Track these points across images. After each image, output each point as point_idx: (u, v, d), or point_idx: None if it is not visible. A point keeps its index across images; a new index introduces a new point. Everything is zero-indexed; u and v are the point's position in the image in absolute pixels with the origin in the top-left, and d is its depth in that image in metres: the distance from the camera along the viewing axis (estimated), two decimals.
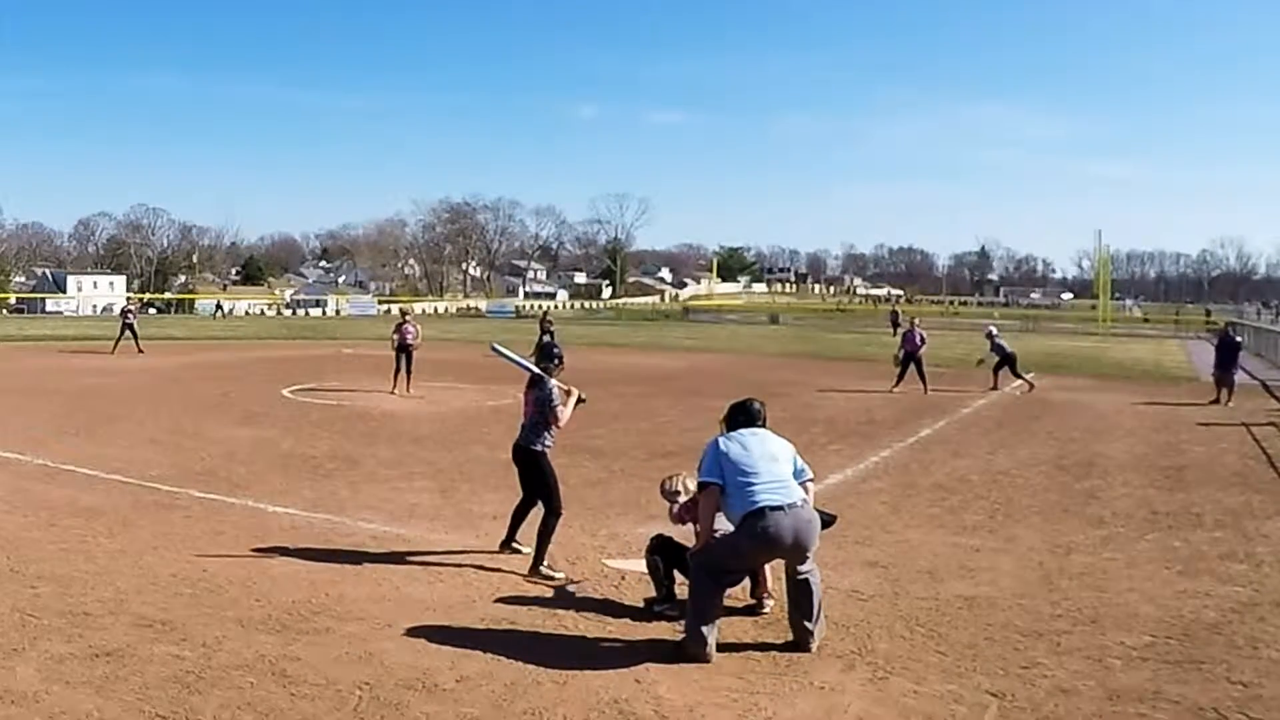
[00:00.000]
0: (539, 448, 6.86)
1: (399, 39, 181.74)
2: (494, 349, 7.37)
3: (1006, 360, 20.84)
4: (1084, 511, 9.06)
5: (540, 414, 6.85)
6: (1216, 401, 18.42)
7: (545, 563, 6.64)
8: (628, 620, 5.77)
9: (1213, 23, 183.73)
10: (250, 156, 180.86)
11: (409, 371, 18.01)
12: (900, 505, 9.15)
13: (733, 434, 5.60)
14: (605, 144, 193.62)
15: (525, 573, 6.61)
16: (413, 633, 5.46)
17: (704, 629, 5.18)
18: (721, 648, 5.26)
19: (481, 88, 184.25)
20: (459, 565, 6.85)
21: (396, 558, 7.01)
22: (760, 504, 5.19)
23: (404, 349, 18.09)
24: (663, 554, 6.00)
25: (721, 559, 5.36)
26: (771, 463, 5.38)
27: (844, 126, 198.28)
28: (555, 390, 6.86)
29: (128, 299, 32.95)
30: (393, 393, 17.57)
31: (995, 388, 20.38)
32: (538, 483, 6.89)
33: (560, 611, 5.90)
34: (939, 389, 19.88)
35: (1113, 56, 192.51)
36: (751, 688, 4.79)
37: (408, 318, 18.86)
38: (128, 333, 27.13)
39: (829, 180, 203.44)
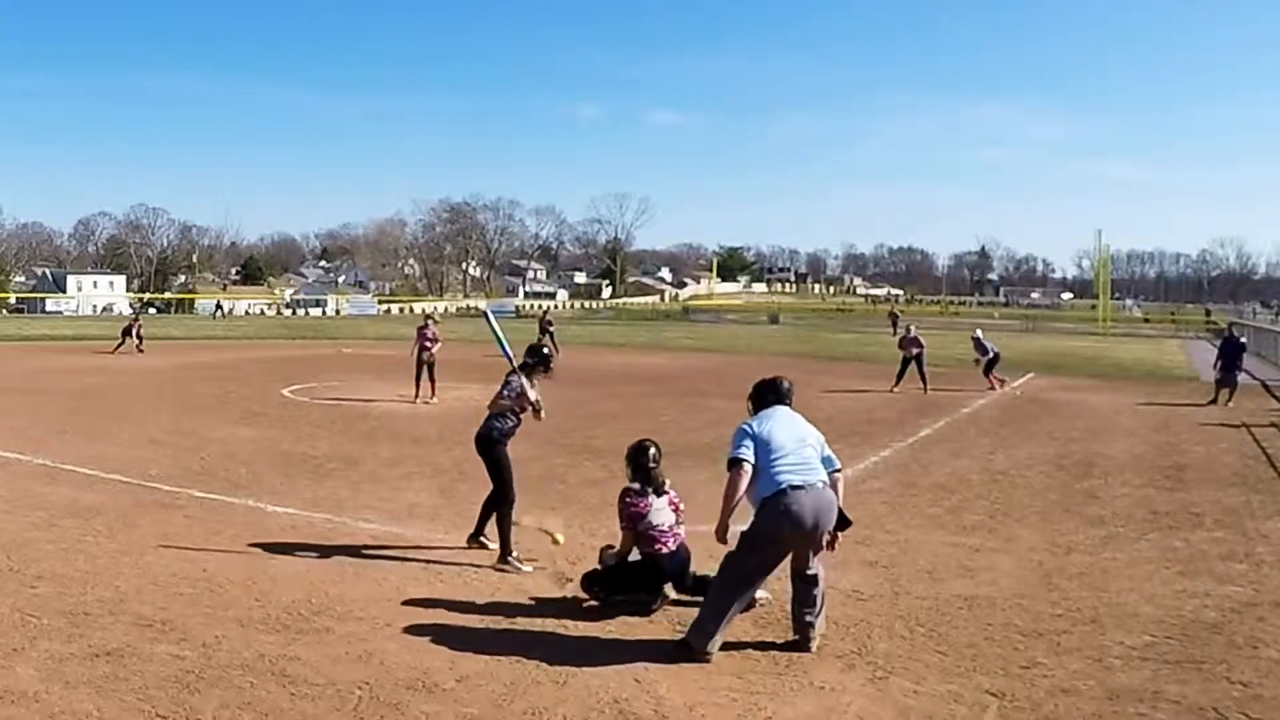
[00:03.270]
0: (494, 435, 7.07)
1: (399, 39, 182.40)
2: (486, 316, 7.59)
3: (992, 363, 21.01)
4: (1084, 511, 9.06)
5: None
6: (1214, 402, 18.42)
7: (513, 554, 6.77)
8: (628, 620, 5.77)
9: (1214, 22, 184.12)
10: (250, 156, 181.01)
11: (432, 378, 16.98)
12: (900, 505, 9.15)
13: (762, 414, 5.49)
14: (605, 144, 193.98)
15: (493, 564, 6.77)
16: (413, 633, 5.46)
17: (714, 627, 5.15)
18: (721, 647, 5.26)
19: (481, 88, 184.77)
20: (459, 565, 6.85)
21: (396, 558, 7.01)
22: (783, 484, 5.15)
23: (424, 354, 16.98)
24: (604, 585, 5.97)
25: (748, 556, 5.25)
26: (800, 444, 5.32)
27: (844, 126, 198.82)
28: (516, 383, 7.04)
29: (135, 315, 33.13)
30: (415, 400, 16.65)
31: (993, 388, 20.42)
32: (491, 470, 7.08)
33: (560, 611, 5.89)
34: (939, 389, 19.89)
35: (1112, 56, 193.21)
36: (751, 688, 4.79)
37: (430, 320, 17.69)
38: (128, 337, 27.47)
39: (829, 180, 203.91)
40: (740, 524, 5.33)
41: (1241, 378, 19.50)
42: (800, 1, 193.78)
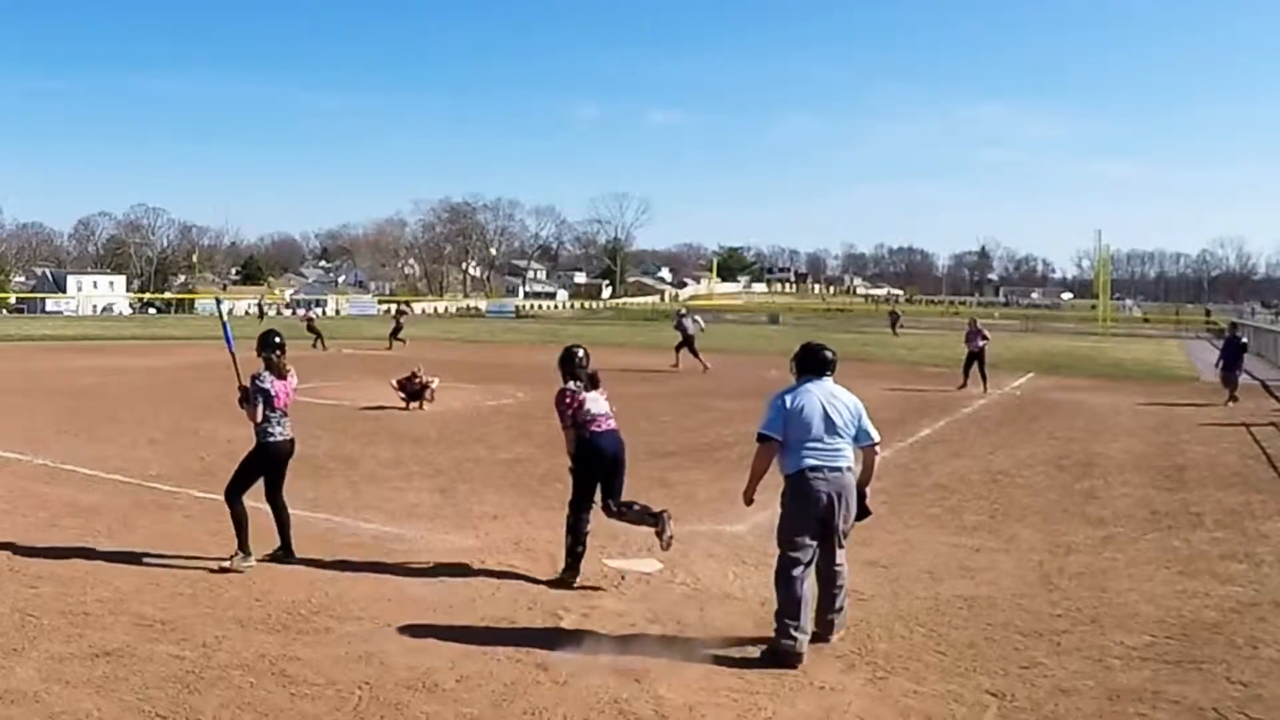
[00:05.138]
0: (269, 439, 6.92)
1: (399, 39, 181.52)
2: (218, 306, 7.68)
3: (686, 341, 23.49)
4: (1084, 511, 9.06)
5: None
6: (1234, 399, 18.41)
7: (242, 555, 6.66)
8: (628, 620, 5.77)
9: (1213, 23, 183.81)
10: (250, 156, 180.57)
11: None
12: (900, 505, 9.14)
13: (801, 389, 5.46)
14: (605, 144, 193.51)
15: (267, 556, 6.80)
16: (413, 633, 5.47)
17: (794, 624, 5.14)
18: (721, 648, 5.26)
19: (481, 88, 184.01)
20: (459, 565, 6.85)
21: (396, 558, 7.01)
22: (804, 466, 5.29)
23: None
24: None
25: (787, 534, 5.34)
26: (832, 428, 5.35)
27: (844, 126, 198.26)
28: (264, 383, 6.90)
29: (311, 305, 33.63)
30: (407, 409, 16.05)
31: (676, 366, 23.44)
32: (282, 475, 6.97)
33: (560, 611, 5.90)
34: (938, 389, 19.89)
35: (1113, 56, 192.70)
36: (751, 687, 4.80)
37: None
38: (315, 336, 29.40)
39: (829, 180, 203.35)
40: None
41: (1242, 378, 19.49)
42: (800, 1, 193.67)
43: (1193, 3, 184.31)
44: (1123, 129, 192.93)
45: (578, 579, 6.45)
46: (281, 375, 6.98)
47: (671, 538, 6.42)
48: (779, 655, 5.13)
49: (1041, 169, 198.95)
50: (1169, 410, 17.69)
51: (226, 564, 6.59)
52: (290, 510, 8.42)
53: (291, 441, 7.00)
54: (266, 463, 6.92)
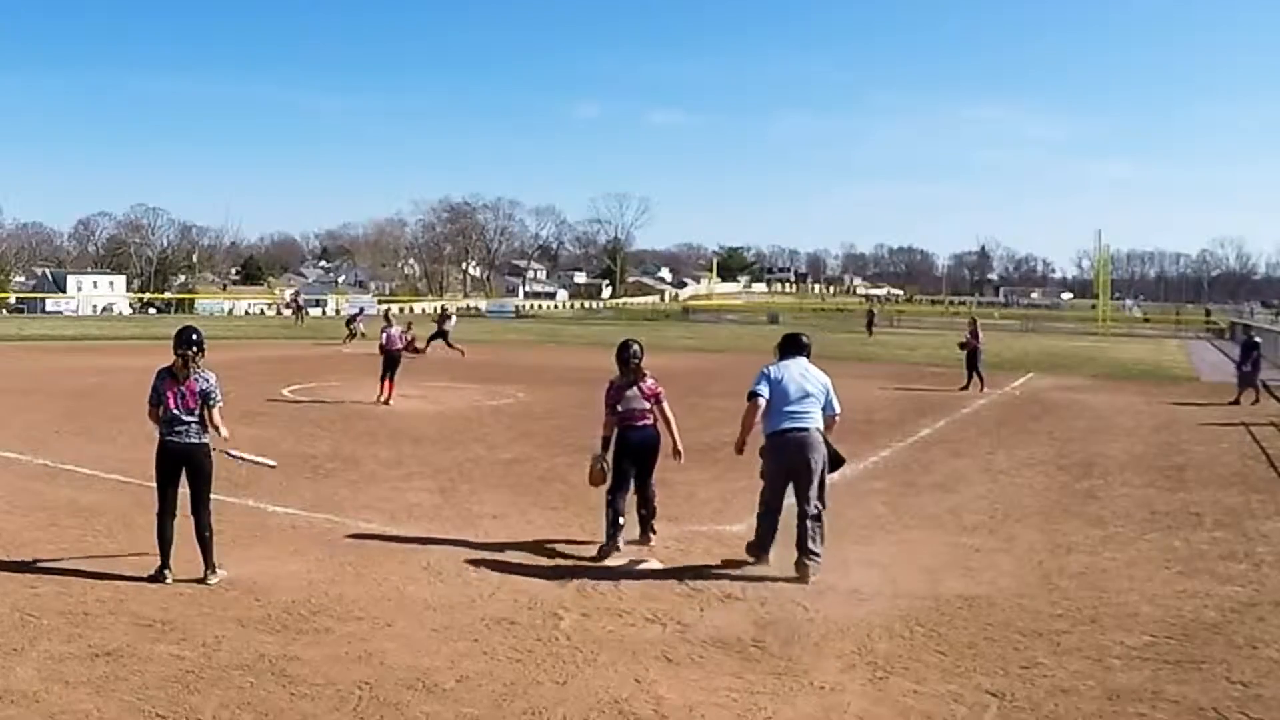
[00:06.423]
0: (209, 440, 6.59)
1: (399, 39, 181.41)
2: None
3: (441, 334, 26.13)
4: (1084, 511, 9.06)
5: (204, 407, 6.51)
6: (1256, 401, 18.43)
7: (214, 568, 6.39)
8: (628, 620, 5.77)
9: (1213, 23, 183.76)
10: (250, 156, 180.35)
11: (391, 379, 16.43)
12: (900, 505, 9.14)
13: (783, 363, 6.81)
14: (605, 144, 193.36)
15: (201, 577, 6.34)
16: (413, 633, 5.47)
17: (764, 553, 6.68)
18: (721, 648, 5.26)
19: (481, 88, 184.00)
20: (459, 565, 6.85)
21: (396, 558, 7.01)
22: (780, 426, 6.57)
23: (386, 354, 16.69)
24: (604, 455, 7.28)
25: (765, 480, 6.76)
26: (804, 396, 6.64)
27: (844, 126, 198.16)
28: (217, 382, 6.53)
29: (361, 309, 35.34)
30: (384, 402, 16.10)
31: (420, 351, 24.15)
32: (207, 481, 6.54)
33: (560, 611, 5.90)
34: (938, 389, 19.89)
35: (1113, 56, 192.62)
36: (751, 688, 4.80)
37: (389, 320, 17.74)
38: (355, 330, 31.97)
39: (829, 180, 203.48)
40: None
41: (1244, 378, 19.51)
42: (800, 1, 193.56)
43: (1192, 3, 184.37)
44: (1123, 129, 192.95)
45: (618, 551, 7.13)
46: (178, 378, 6.48)
47: (639, 549, 7.27)
48: (751, 563, 6.72)
49: (1041, 169, 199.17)
50: (1169, 410, 17.69)
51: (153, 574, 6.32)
52: (290, 510, 8.45)
53: (193, 447, 6.45)
54: (160, 463, 6.46)
